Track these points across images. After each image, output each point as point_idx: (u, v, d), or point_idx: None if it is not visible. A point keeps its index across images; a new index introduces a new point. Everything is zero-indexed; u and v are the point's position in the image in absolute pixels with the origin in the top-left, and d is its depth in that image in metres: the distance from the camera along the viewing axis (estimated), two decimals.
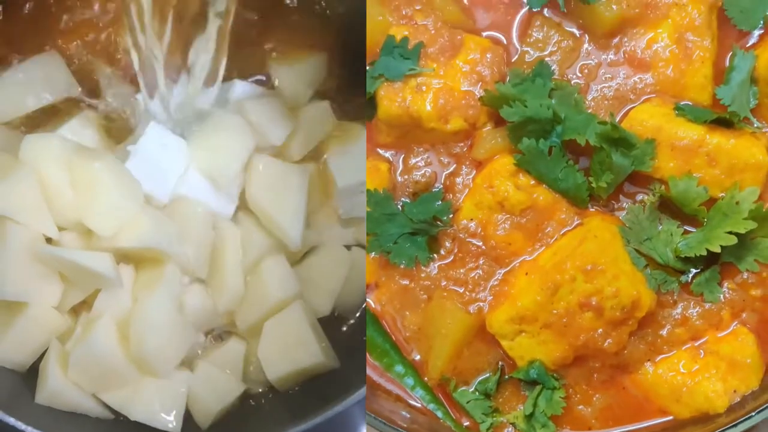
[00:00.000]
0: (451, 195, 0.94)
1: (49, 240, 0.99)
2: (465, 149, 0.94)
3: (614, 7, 0.93)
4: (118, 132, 1.08)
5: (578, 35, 0.95)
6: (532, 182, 0.91)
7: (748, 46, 0.95)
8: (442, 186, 0.94)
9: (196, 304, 1.02)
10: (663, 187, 0.91)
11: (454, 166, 0.94)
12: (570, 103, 0.92)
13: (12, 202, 0.95)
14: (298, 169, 1.05)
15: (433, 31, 0.93)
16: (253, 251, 1.03)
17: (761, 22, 0.95)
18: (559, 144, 0.91)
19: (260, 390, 1.05)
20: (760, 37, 0.95)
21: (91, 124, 1.05)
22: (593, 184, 0.91)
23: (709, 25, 0.93)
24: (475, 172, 0.93)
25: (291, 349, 1.01)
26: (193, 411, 1.02)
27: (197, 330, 1.04)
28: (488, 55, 0.93)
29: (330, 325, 1.06)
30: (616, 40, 0.94)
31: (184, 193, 1.03)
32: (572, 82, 0.94)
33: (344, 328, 1.08)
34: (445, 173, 0.94)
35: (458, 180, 0.94)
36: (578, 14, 0.95)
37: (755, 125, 0.93)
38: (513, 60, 0.95)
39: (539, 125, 0.90)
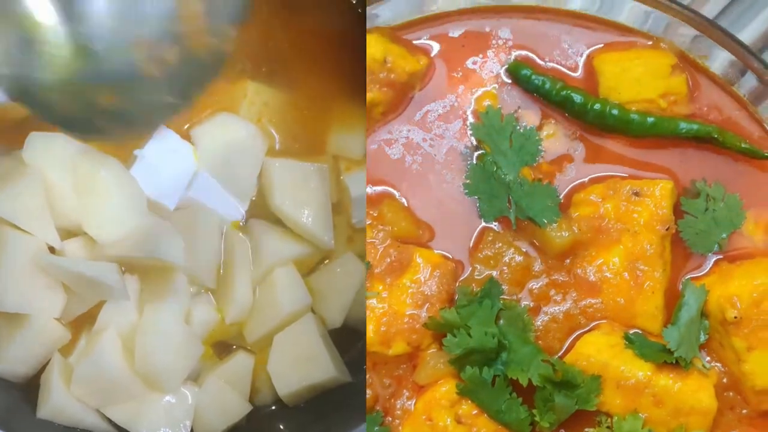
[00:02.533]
0: (389, 419, 0.91)
1: (51, 249, 0.96)
2: (407, 371, 0.92)
3: (565, 232, 0.91)
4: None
5: (530, 253, 0.93)
6: (474, 412, 0.89)
7: (702, 273, 0.94)
8: (381, 409, 0.91)
9: (203, 316, 0.99)
10: (609, 420, 0.89)
11: (395, 388, 0.92)
12: (518, 327, 0.90)
13: (17, 208, 0.93)
14: (316, 168, 1.03)
15: (381, 249, 0.92)
16: (263, 261, 1.00)
17: (716, 246, 0.94)
18: (503, 373, 0.88)
19: (268, 405, 1.02)
20: (715, 262, 0.94)
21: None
22: (536, 418, 0.89)
23: (660, 254, 0.91)
24: (415, 397, 0.91)
25: (302, 363, 0.98)
26: (197, 428, 0.98)
27: (203, 342, 1.00)
28: (437, 273, 0.91)
29: (342, 339, 1.02)
30: (567, 261, 0.93)
31: (193, 198, 1.01)
32: (522, 303, 0.92)
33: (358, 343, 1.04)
34: (385, 395, 0.92)
35: (398, 403, 0.91)
36: (530, 233, 0.93)
37: (704, 362, 0.91)
38: (463, 277, 0.93)
39: (483, 354, 0.88)
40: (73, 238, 0.98)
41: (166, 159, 1.01)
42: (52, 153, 0.96)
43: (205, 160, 1.02)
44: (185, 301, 0.97)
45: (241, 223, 1.04)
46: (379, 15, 0.96)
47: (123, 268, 0.97)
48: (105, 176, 0.95)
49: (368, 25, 0.95)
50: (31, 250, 0.94)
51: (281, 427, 1.00)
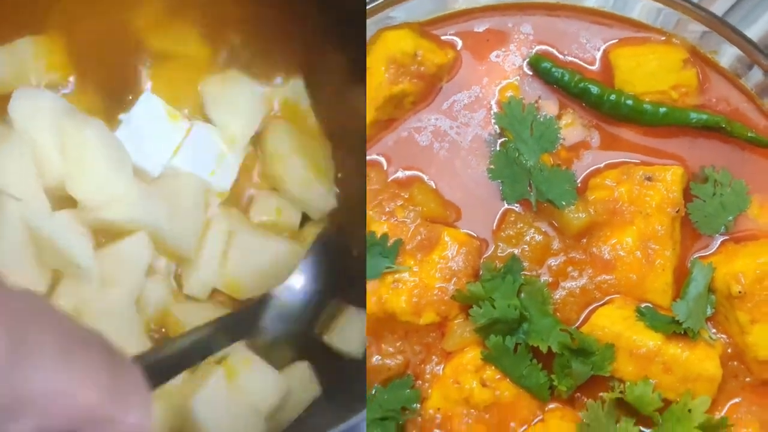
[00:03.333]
0: (420, 383, 0.99)
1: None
2: (436, 339, 0.99)
3: (582, 213, 0.98)
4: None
5: (549, 233, 1.01)
6: (498, 377, 0.96)
7: (710, 253, 1.01)
8: (412, 374, 0.99)
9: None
10: (621, 386, 0.96)
11: (425, 354, 0.99)
12: (538, 301, 0.97)
13: (5, 173, 0.91)
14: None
15: (412, 228, 0.99)
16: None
17: (723, 228, 1.01)
18: (524, 342, 0.96)
19: None
20: (722, 243, 1.01)
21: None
22: (555, 383, 0.96)
23: (671, 235, 0.98)
24: (444, 362, 0.98)
25: None
26: None
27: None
28: (463, 250, 0.99)
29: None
30: (584, 240, 1.00)
31: (178, 165, 1.01)
32: (541, 279, 0.99)
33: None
34: (415, 361, 0.99)
35: (428, 368, 0.99)
36: (549, 214, 1.00)
37: (710, 334, 0.98)
38: (487, 254, 1.00)
39: (506, 324, 0.96)
40: (63, 209, 0.96)
41: (152, 124, 1.00)
42: (38, 110, 0.94)
43: (216, 117, 1.05)
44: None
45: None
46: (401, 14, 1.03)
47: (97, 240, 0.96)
48: (90, 137, 0.93)
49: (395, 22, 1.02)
50: (20, 216, 0.92)
51: None
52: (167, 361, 0.85)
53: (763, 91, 1.03)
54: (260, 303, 1.04)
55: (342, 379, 1.04)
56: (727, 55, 1.03)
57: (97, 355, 0.64)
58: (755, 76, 1.03)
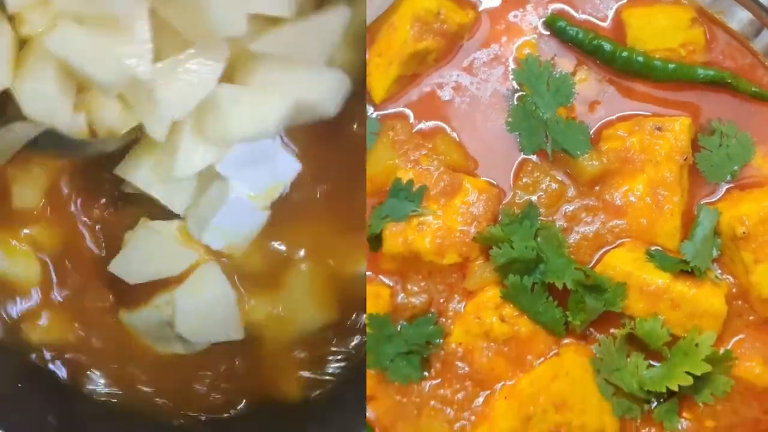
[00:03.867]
0: (443, 320, 1.05)
1: None
2: (458, 279, 1.06)
3: (595, 162, 1.05)
4: None
5: (564, 181, 1.07)
6: (516, 314, 1.03)
7: (716, 199, 1.07)
8: (435, 311, 1.06)
9: None
10: (632, 323, 1.02)
11: (447, 294, 1.06)
12: (553, 244, 1.04)
13: None
14: None
15: (435, 175, 1.05)
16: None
17: (729, 176, 1.07)
18: (541, 281, 1.02)
19: None
20: (727, 190, 1.07)
21: None
22: (569, 319, 1.02)
23: (679, 182, 1.04)
24: (465, 301, 1.05)
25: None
26: None
27: None
28: (483, 197, 1.05)
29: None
30: (597, 187, 1.06)
31: None
32: (556, 224, 1.06)
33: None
34: (439, 300, 1.06)
35: (450, 306, 1.06)
36: (564, 163, 1.07)
37: (716, 274, 1.04)
38: (505, 201, 1.07)
39: (524, 264, 1.02)
40: None
41: None
42: None
43: None
44: None
45: None
46: None
47: None
48: None
49: None
50: None
51: None
52: None
53: None
54: None
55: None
56: (738, 18, 1.09)
57: None
58: (765, 38, 1.08)
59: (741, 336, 1.04)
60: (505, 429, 0.99)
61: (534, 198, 1.06)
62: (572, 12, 1.10)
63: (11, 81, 1.00)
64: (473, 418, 1.03)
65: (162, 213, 1.11)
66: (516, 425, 0.99)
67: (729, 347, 1.02)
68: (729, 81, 1.07)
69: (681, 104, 1.08)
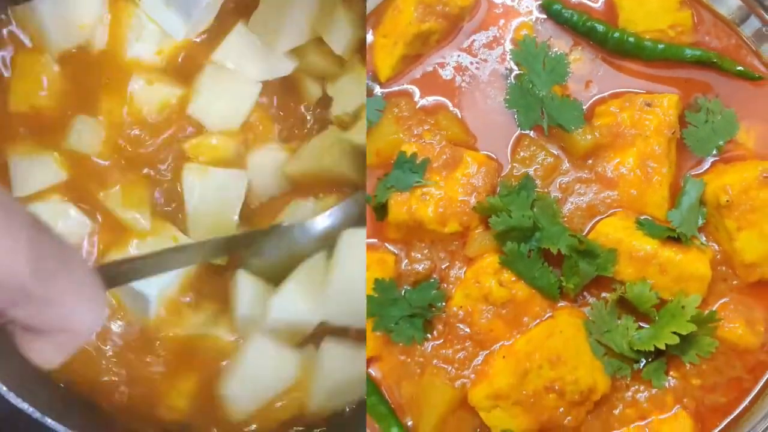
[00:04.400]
0: (445, 285, 1.11)
1: None
2: (459, 247, 1.12)
3: (588, 136, 1.11)
4: None
5: (559, 155, 1.13)
6: (513, 279, 1.09)
7: (701, 171, 1.13)
8: (438, 277, 1.12)
9: None
10: (622, 287, 1.08)
11: (449, 261, 1.12)
12: (548, 214, 1.10)
13: None
14: None
15: (437, 148, 1.12)
16: None
17: (714, 150, 1.13)
18: (537, 248, 1.08)
19: None
20: (712, 163, 1.13)
21: None
22: (564, 284, 1.09)
23: (667, 154, 1.11)
24: (466, 267, 1.11)
25: None
26: None
27: None
28: (483, 170, 1.11)
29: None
30: (590, 161, 1.12)
31: None
32: (551, 195, 1.12)
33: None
34: (441, 266, 1.12)
35: (452, 272, 1.12)
36: (559, 138, 1.13)
37: (702, 241, 1.10)
38: (503, 173, 1.13)
39: (521, 232, 1.08)
40: None
41: None
42: None
43: None
44: None
45: None
46: None
47: None
48: None
49: None
50: None
51: None
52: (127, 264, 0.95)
53: (760, 38, 1.15)
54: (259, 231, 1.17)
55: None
56: (728, 4, 1.15)
57: (21, 226, 0.65)
58: (753, 23, 1.14)
59: (725, 299, 1.10)
60: (503, 385, 1.05)
61: (531, 171, 1.12)
62: None
63: None
64: (473, 375, 1.09)
65: None
66: (513, 381, 1.05)
67: (714, 309, 1.09)
68: (715, 60, 1.13)
69: (669, 82, 1.14)
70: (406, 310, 1.10)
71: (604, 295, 1.10)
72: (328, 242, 1.16)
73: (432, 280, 1.11)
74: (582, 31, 1.14)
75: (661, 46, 1.13)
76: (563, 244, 1.06)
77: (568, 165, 1.13)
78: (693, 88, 1.14)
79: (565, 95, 1.13)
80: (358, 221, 1.15)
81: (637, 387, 1.09)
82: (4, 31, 1.21)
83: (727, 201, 1.07)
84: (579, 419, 1.06)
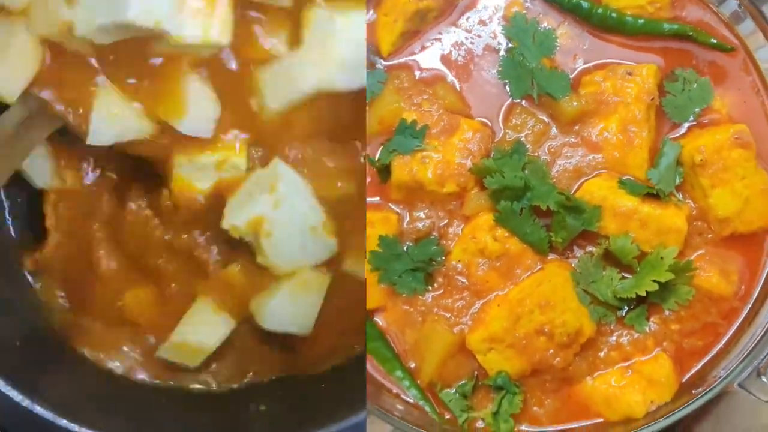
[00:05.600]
0: (444, 241, 1.21)
1: None
2: (456, 206, 1.21)
3: (575, 103, 1.20)
4: None
5: (547, 122, 1.22)
6: (506, 235, 1.18)
7: (679, 135, 1.22)
8: (437, 234, 1.21)
9: None
10: (607, 241, 1.18)
11: (448, 219, 1.21)
12: (538, 175, 1.19)
13: None
14: None
15: (435, 116, 1.21)
16: None
17: (691, 117, 1.22)
18: (528, 206, 1.18)
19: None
20: (689, 128, 1.22)
21: None
22: (553, 238, 1.18)
23: (647, 119, 1.20)
24: (463, 225, 1.21)
25: None
26: None
27: None
28: (478, 135, 1.20)
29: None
30: (576, 126, 1.22)
31: None
32: (541, 158, 1.21)
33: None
34: (440, 224, 1.22)
35: (450, 230, 1.21)
36: (548, 106, 1.22)
37: (679, 198, 1.20)
38: (497, 139, 1.22)
39: (513, 192, 1.17)
40: None
41: None
42: None
43: None
44: None
45: None
46: None
47: None
48: None
49: None
50: None
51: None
52: None
53: (736, 19, 1.23)
54: None
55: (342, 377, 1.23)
56: None
57: None
58: (730, 5, 1.23)
59: (701, 251, 1.19)
60: (497, 329, 1.15)
61: (522, 136, 1.21)
62: None
63: None
64: (470, 322, 1.19)
65: None
66: (507, 325, 1.15)
67: (690, 259, 1.18)
68: (691, 33, 1.22)
69: (649, 54, 1.23)
70: (409, 264, 1.19)
71: (590, 248, 1.19)
72: None
73: (432, 237, 1.21)
74: (568, 7, 1.23)
75: (641, 21, 1.22)
76: (552, 201, 1.16)
77: (556, 131, 1.22)
78: (671, 58, 1.23)
79: (553, 67, 1.22)
80: None
81: (620, 332, 1.19)
82: None
83: (701, 160, 1.16)
84: (567, 360, 1.16)
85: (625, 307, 1.18)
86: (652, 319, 1.19)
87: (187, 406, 1.28)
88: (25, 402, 1.11)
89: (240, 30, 1.16)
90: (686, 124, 1.22)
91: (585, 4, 1.23)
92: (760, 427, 1.27)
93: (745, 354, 1.16)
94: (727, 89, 1.23)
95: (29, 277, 1.31)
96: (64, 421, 1.11)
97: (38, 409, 1.11)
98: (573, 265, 1.19)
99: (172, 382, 1.30)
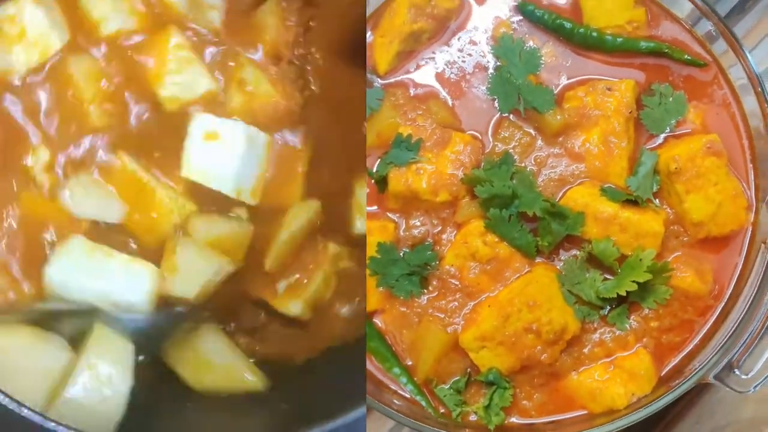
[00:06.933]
0: (438, 247, 1.29)
1: None
2: (449, 214, 1.29)
3: (559, 117, 1.28)
4: None
5: (534, 134, 1.30)
6: (496, 240, 1.25)
7: (656, 145, 1.30)
8: (432, 240, 1.30)
9: None
10: (590, 245, 1.26)
11: (441, 226, 1.29)
12: (525, 184, 1.27)
13: None
14: None
15: (429, 130, 1.29)
16: None
17: (667, 128, 1.30)
18: (516, 213, 1.26)
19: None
20: (665, 139, 1.30)
21: None
22: (539, 243, 1.27)
23: (626, 131, 1.28)
24: (456, 231, 1.28)
25: None
26: None
27: None
28: (469, 148, 1.28)
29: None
30: (560, 138, 1.29)
31: None
32: (528, 168, 1.29)
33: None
34: (434, 231, 1.30)
35: (444, 236, 1.29)
36: (534, 119, 1.30)
37: (656, 204, 1.28)
38: (487, 151, 1.30)
39: (502, 200, 1.25)
40: None
41: None
42: None
43: None
44: None
45: None
46: None
47: None
48: None
49: None
50: None
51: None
52: None
53: (710, 38, 1.31)
54: None
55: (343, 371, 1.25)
56: (684, 7, 1.31)
57: None
58: (704, 26, 1.32)
59: (677, 253, 1.27)
60: (488, 328, 1.23)
61: (510, 148, 1.28)
62: None
63: None
64: (463, 322, 1.26)
65: None
66: (497, 324, 1.22)
67: (667, 261, 1.27)
68: (666, 51, 1.31)
69: (628, 70, 1.30)
70: (405, 269, 1.27)
71: (574, 252, 1.27)
72: None
73: (427, 243, 1.29)
74: (552, 28, 1.31)
75: (619, 40, 1.30)
76: (538, 208, 1.24)
77: (541, 142, 1.29)
78: (648, 74, 1.30)
79: (539, 83, 1.30)
80: None
81: (603, 329, 1.26)
82: None
83: (677, 168, 1.24)
84: (554, 357, 1.24)
85: (608, 306, 1.26)
86: (632, 317, 1.26)
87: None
88: (12, 405, 1.06)
89: None
90: (663, 135, 1.30)
91: (567, 25, 1.31)
92: (741, 421, 1.36)
93: (719, 348, 1.23)
94: (700, 102, 1.31)
95: None
96: (52, 424, 1.06)
97: (26, 412, 1.06)
98: (558, 267, 1.27)
99: None
